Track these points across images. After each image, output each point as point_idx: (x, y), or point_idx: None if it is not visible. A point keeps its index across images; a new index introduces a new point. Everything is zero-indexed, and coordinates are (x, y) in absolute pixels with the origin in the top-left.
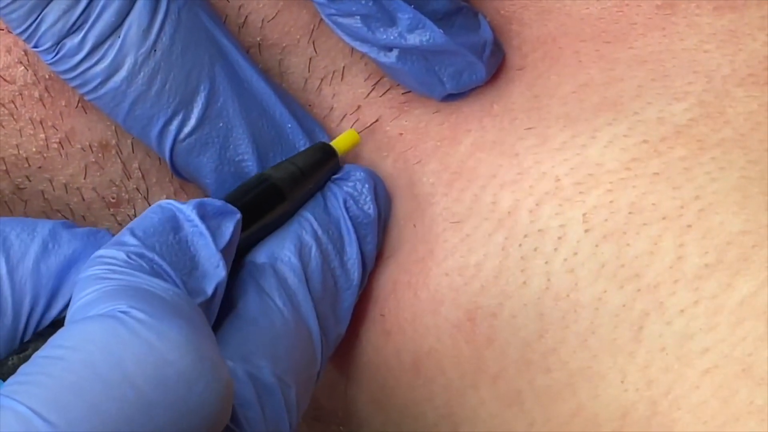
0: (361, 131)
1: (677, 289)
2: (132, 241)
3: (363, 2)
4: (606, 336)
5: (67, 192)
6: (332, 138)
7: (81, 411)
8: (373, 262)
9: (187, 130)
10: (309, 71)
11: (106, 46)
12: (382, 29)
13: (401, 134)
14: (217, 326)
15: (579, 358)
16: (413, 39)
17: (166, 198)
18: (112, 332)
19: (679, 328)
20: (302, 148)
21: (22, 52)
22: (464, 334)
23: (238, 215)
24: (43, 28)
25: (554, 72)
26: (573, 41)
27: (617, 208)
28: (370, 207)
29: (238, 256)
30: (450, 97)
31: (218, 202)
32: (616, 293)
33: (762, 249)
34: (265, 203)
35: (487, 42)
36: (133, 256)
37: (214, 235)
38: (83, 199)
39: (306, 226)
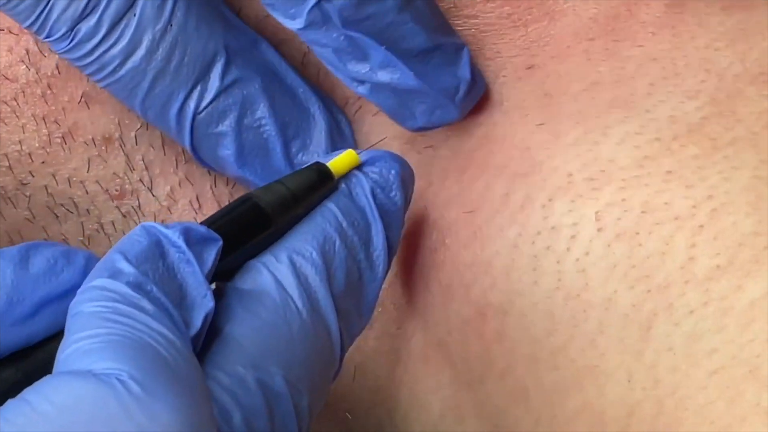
0: (370, 116)
1: (687, 290)
2: (128, 269)
3: (334, 36)
4: (614, 335)
5: (70, 186)
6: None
7: None
8: (396, 250)
9: (206, 101)
10: (303, 66)
11: (122, 25)
12: (353, 62)
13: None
14: (231, 328)
15: (587, 356)
16: (383, 76)
17: (170, 189)
18: (104, 405)
19: (688, 329)
20: (315, 112)
21: (24, 51)
22: (474, 329)
23: (220, 243)
24: (54, 16)
25: (564, 70)
26: (581, 40)
27: (630, 207)
28: (397, 195)
29: (216, 279)
30: (423, 129)
31: (202, 228)
32: (627, 293)
33: None
34: (249, 228)
35: (461, 83)
36: (134, 290)
37: (198, 262)
38: (87, 193)
39: (330, 218)
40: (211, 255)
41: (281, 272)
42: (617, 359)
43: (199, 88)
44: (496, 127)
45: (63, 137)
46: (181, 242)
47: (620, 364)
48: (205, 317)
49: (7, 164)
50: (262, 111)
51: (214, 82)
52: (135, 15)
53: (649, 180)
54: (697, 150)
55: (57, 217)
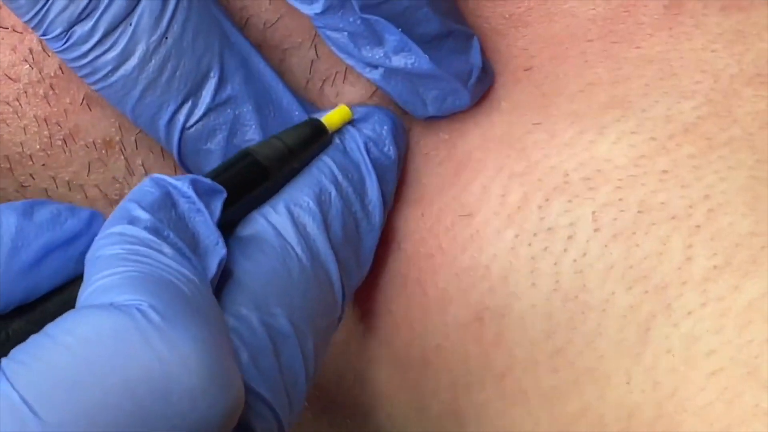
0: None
1: (685, 291)
2: (144, 215)
3: (351, 20)
4: (613, 337)
5: (70, 189)
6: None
7: (74, 413)
8: (392, 202)
9: (196, 116)
10: (310, 73)
11: (117, 33)
12: (368, 47)
13: (408, 129)
14: (232, 275)
15: (585, 358)
16: (398, 61)
17: None
18: (124, 335)
19: (686, 330)
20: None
21: (27, 51)
22: (472, 333)
23: (225, 194)
24: (51, 14)
25: (561, 71)
26: (579, 41)
27: (626, 207)
28: (390, 149)
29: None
30: (433, 117)
31: (208, 180)
32: (624, 295)
33: None
34: (248, 181)
35: (474, 68)
36: (153, 234)
37: (208, 212)
38: (86, 197)
39: (325, 170)
40: (218, 206)
41: (280, 222)
42: (616, 361)
43: (189, 103)
44: (493, 128)
45: (64, 140)
46: (191, 192)
47: (619, 366)
48: (219, 263)
49: (8, 166)
50: (252, 132)
51: (205, 99)
52: (131, 24)
53: (645, 179)
54: (693, 149)
55: None
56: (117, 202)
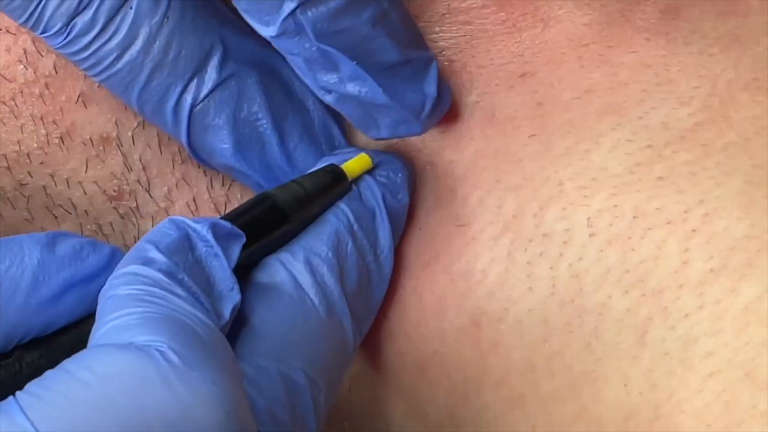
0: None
1: (682, 294)
2: (160, 257)
3: (306, 46)
4: (610, 340)
5: (68, 187)
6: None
7: None
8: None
9: (203, 94)
10: None
11: (118, 19)
12: (323, 72)
13: (405, 141)
14: (249, 321)
15: (583, 362)
16: (352, 89)
17: (167, 190)
18: (144, 374)
19: (683, 333)
20: (309, 105)
21: (21, 51)
22: (469, 338)
23: (244, 239)
24: (49, 11)
25: (556, 77)
26: (576, 46)
27: (621, 213)
28: (404, 197)
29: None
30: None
31: (228, 224)
32: (621, 298)
33: (766, 254)
34: (267, 225)
35: (428, 99)
36: (167, 276)
37: (225, 256)
38: (85, 193)
39: (343, 219)
40: (236, 251)
41: (298, 270)
42: (613, 364)
43: (196, 80)
44: (488, 142)
45: (61, 137)
46: (209, 236)
47: (616, 369)
48: (233, 309)
49: (6, 165)
50: (258, 105)
51: (211, 75)
52: (131, 8)
53: (641, 186)
54: (689, 156)
55: (55, 217)
56: (115, 197)
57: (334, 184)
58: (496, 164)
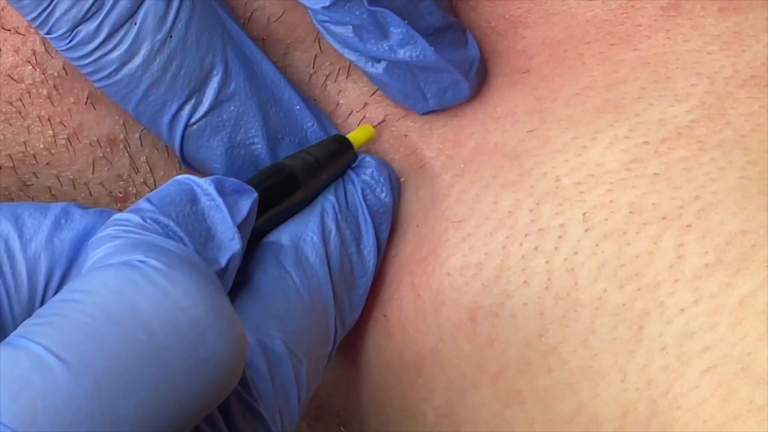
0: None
1: (677, 289)
2: (148, 206)
3: (357, 13)
4: (606, 335)
5: (74, 188)
6: (339, 128)
7: (95, 351)
8: (384, 249)
9: (199, 114)
10: (314, 68)
11: (122, 32)
12: (373, 41)
13: (406, 135)
14: (233, 298)
15: (579, 357)
16: (403, 54)
17: None
18: (128, 278)
19: (679, 328)
20: (310, 131)
21: (30, 52)
22: (465, 333)
23: (255, 194)
24: (56, 14)
25: (558, 74)
26: (577, 43)
27: (617, 208)
28: (386, 195)
29: (253, 239)
30: (432, 112)
31: (235, 180)
32: (617, 292)
33: (761, 249)
34: (280, 190)
35: (474, 60)
36: (149, 220)
37: (231, 210)
38: (90, 195)
39: (329, 209)
40: (246, 205)
41: (283, 253)
42: (610, 359)
43: (193, 100)
44: (487, 136)
45: (68, 138)
46: (212, 190)
47: (613, 364)
48: (231, 257)
49: (12, 165)
50: (255, 129)
51: (208, 96)
52: (136, 24)
53: (637, 182)
54: (684, 152)
55: None
56: (121, 199)
57: (341, 153)
58: (494, 160)
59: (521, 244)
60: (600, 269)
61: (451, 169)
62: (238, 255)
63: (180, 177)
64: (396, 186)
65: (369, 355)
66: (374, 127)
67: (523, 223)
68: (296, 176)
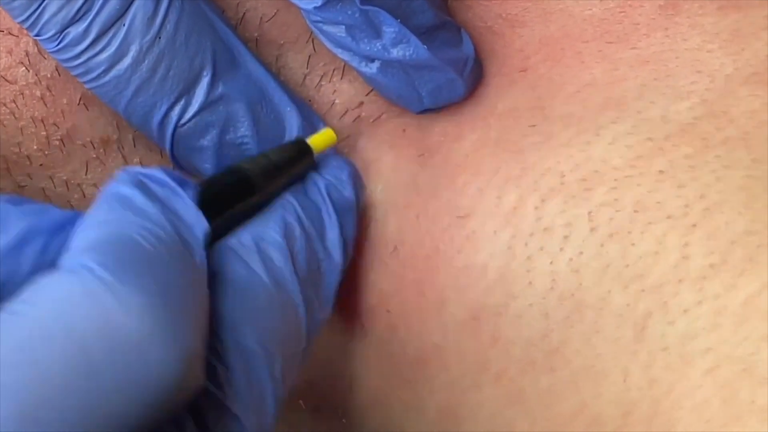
0: (368, 122)
1: (681, 289)
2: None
3: (349, 13)
4: (609, 335)
5: (68, 189)
6: (327, 124)
7: (26, 369)
8: (352, 247)
9: (189, 115)
10: (308, 68)
11: (110, 34)
12: (366, 40)
13: (404, 130)
14: None
15: (582, 357)
16: (396, 52)
17: None
18: (67, 291)
19: (682, 328)
20: (300, 131)
21: (23, 53)
22: (469, 332)
23: (194, 185)
24: (45, 16)
25: (556, 73)
26: (575, 42)
27: (622, 207)
28: (349, 193)
29: (211, 241)
30: (427, 111)
31: (176, 172)
32: (621, 293)
33: (767, 249)
34: (235, 194)
35: (468, 59)
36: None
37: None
38: (84, 196)
39: (289, 208)
40: (190, 195)
41: (247, 252)
42: (613, 359)
43: (183, 101)
44: (489, 130)
45: (62, 140)
46: (165, 177)
47: (616, 364)
48: (205, 234)
49: (6, 166)
50: (245, 129)
51: (198, 97)
52: (124, 25)
53: (642, 180)
54: (689, 150)
55: None
56: None
57: (299, 158)
58: (496, 153)
59: (526, 245)
60: (605, 270)
61: (452, 160)
62: (208, 231)
63: (127, 169)
64: (359, 183)
65: (372, 349)
66: (372, 121)
67: (528, 222)
68: (251, 179)
